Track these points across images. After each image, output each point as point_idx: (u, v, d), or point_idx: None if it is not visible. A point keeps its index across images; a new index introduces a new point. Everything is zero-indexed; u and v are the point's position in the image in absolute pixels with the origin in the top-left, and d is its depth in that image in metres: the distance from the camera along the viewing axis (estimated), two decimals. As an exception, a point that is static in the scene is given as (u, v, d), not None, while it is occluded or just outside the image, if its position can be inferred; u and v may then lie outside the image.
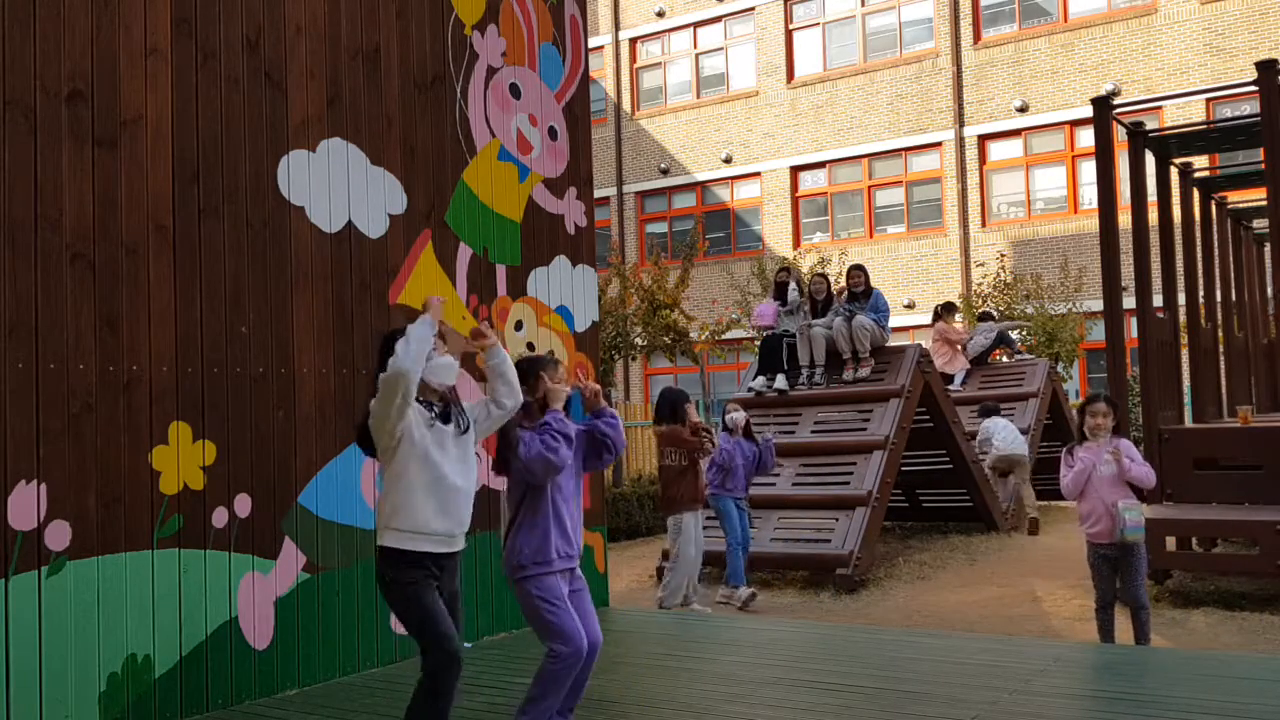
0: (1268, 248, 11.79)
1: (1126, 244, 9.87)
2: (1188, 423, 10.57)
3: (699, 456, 8.18)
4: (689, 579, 8.17)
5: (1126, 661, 5.55)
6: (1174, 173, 10.85)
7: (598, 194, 24.79)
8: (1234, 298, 13.03)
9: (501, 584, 6.17)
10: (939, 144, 23.22)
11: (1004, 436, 11.97)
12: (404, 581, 3.57)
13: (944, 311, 14.36)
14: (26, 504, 4.12)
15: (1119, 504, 6.20)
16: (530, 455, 3.84)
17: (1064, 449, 6.61)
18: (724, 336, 19.99)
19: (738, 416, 8.89)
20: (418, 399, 3.63)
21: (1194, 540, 9.11)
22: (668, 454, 8.27)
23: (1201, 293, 11.76)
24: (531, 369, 4.04)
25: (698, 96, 26.86)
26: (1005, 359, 14.93)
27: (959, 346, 14.10)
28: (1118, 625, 6.56)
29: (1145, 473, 6.29)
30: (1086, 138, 20.72)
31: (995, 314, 15.83)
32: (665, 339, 18.64)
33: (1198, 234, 11.66)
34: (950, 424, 11.00)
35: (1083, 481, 6.33)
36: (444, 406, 3.75)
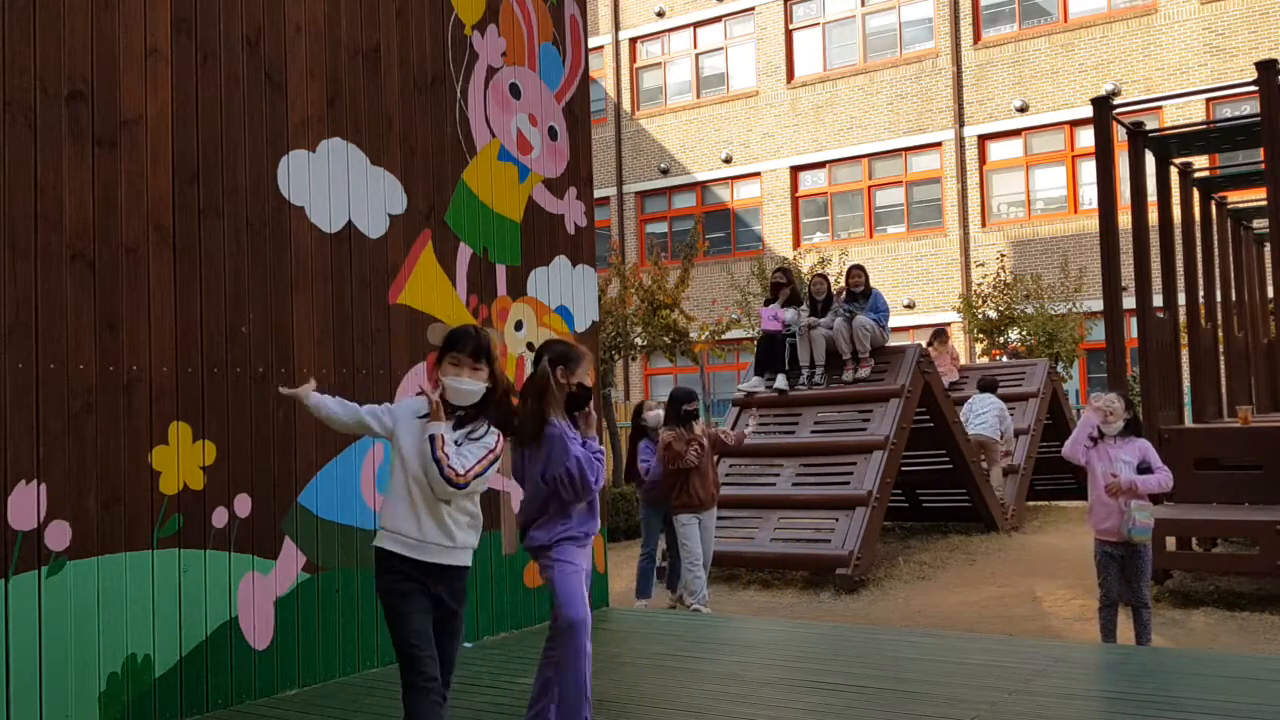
0: (1268, 248, 11.79)
1: (1126, 244, 9.87)
2: (1188, 423, 10.57)
3: (678, 466, 8.00)
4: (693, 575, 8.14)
5: (1126, 661, 5.55)
6: (1174, 173, 10.85)
7: (598, 194, 24.79)
8: (1234, 298, 13.04)
9: (501, 584, 6.17)
10: (939, 144, 23.22)
11: (977, 418, 11.96)
12: (381, 589, 3.59)
13: (934, 339, 14.18)
14: (26, 504, 4.11)
15: (1130, 504, 6.22)
16: (591, 481, 3.88)
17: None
18: (724, 336, 20.00)
19: (653, 416, 8.70)
20: (444, 401, 3.65)
21: (1194, 540, 9.11)
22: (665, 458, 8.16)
23: (1201, 293, 11.76)
24: (564, 361, 3.97)
25: (698, 96, 26.86)
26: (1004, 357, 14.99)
27: (951, 362, 13.90)
28: (1123, 624, 6.56)
29: (1160, 480, 6.31)
30: (1086, 138, 20.72)
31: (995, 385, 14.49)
32: (665, 339, 18.65)
33: (1198, 234, 11.66)
34: (950, 424, 11.00)
35: (1080, 444, 6.36)
36: (461, 414, 3.65)
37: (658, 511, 8.52)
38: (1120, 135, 9.70)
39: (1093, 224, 18.05)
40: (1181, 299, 10.78)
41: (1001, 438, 12.15)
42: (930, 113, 23.26)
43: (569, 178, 6.87)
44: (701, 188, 26.54)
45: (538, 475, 3.95)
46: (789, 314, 11.13)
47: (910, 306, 23.00)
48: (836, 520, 9.43)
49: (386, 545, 3.58)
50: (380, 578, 3.59)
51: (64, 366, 4.28)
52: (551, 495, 3.96)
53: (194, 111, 4.80)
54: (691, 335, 19.26)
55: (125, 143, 4.53)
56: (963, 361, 18.47)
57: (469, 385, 3.60)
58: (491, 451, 3.63)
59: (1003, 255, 21.96)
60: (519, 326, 6.42)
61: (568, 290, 6.82)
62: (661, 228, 27.26)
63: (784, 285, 11.53)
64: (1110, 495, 6.29)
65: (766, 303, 11.92)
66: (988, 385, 12.56)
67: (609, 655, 5.54)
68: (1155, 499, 6.56)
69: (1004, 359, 16.49)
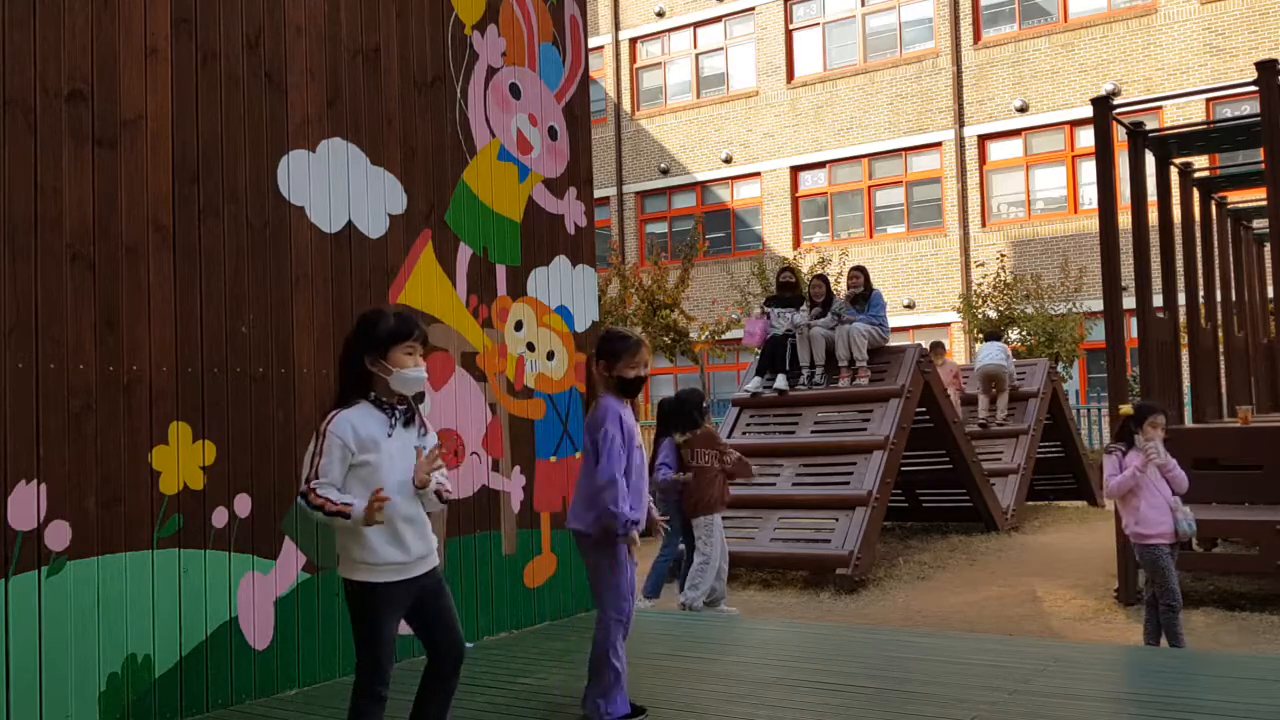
0: (1268, 248, 11.78)
1: (1126, 244, 9.87)
2: (1188, 423, 10.56)
3: (729, 464, 8.04)
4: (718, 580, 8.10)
5: (1126, 661, 5.56)
6: (1174, 173, 10.85)
7: (598, 194, 24.80)
8: (1234, 298, 13.03)
9: (501, 584, 6.17)
10: (939, 144, 23.23)
11: (984, 355, 13.30)
12: (368, 605, 3.50)
13: (930, 350, 14.24)
14: (26, 504, 4.11)
15: (1174, 501, 6.21)
16: (612, 495, 4.23)
17: (1115, 450, 6.44)
18: (724, 336, 20.01)
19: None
20: (380, 400, 3.46)
21: (1194, 540, 9.09)
22: (703, 456, 8.03)
23: (1201, 293, 11.76)
24: (621, 349, 4.32)
25: (698, 96, 26.87)
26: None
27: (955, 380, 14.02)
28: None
29: (1183, 475, 6.30)
30: (1086, 138, 20.74)
31: (1000, 333, 15.58)
32: (665, 339, 18.66)
33: (1198, 234, 11.66)
34: (950, 424, 11.00)
35: (1130, 486, 6.29)
36: (407, 409, 3.51)
37: (680, 512, 8.48)
38: (1120, 135, 9.69)
39: (1093, 224, 18.05)
40: (1181, 299, 10.77)
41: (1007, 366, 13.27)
42: (930, 113, 23.26)
43: (569, 178, 6.87)
44: (701, 188, 26.54)
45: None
46: (798, 317, 11.11)
47: (910, 306, 23.01)
48: (836, 520, 9.43)
49: (373, 579, 3.42)
50: (367, 603, 3.46)
51: (64, 366, 4.28)
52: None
53: (194, 111, 4.80)
54: (691, 335, 19.27)
55: (125, 143, 4.53)
56: (962, 362, 18.47)
57: (424, 373, 3.53)
58: (440, 447, 3.52)
59: (1003, 255, 21.97)
60: (519, 326, 6.42)
61: (568, 290, 6.82)
62: (661, 228, 27.27)
63: (793, 285, 11.60)
64: (1143, 466, 6.21)
65: (767, 302, 11.91)
66: (993, 334, 14.00)
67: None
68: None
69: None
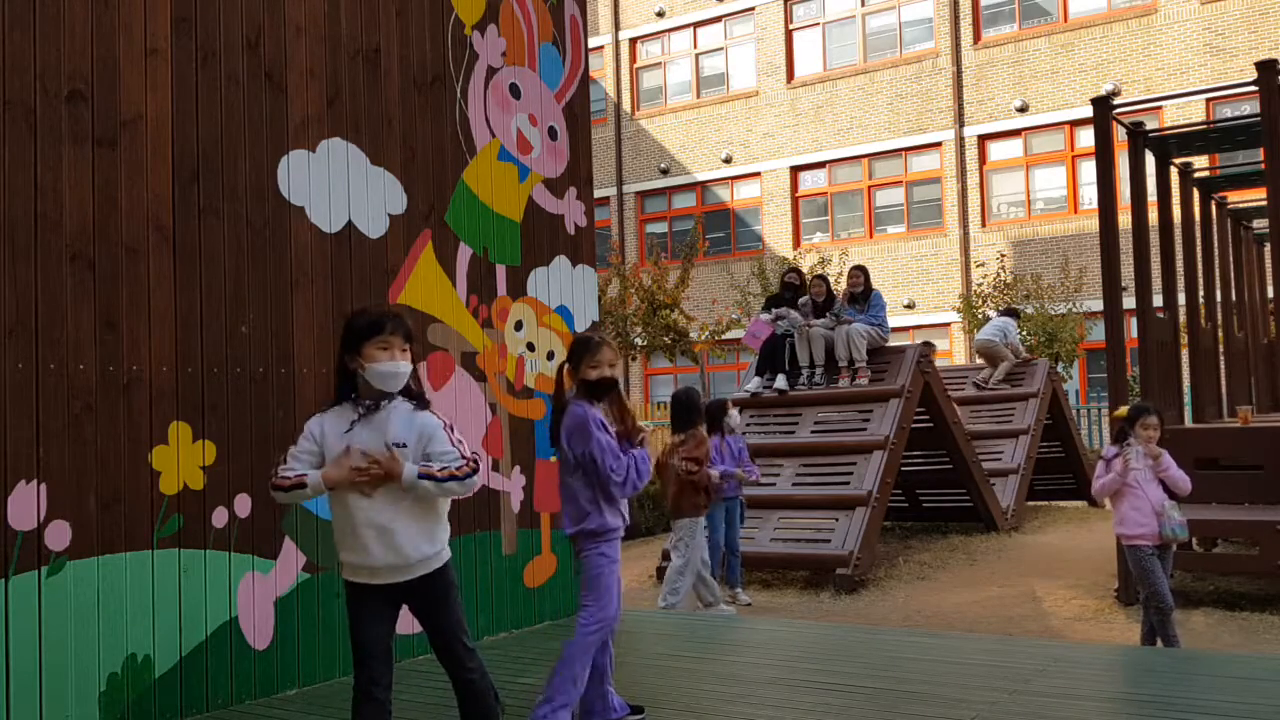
0: (1268, 248, 11.78)
1: (1126, 244, 9.87)
2: (1188, 423, 10.56)
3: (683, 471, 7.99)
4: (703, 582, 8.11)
5: (1126, 661, 5.55)
6: (1174, 173, 10.85)
7: (598, 194, 24.80)
8: (1234, 298, 13.03)
9: (501, 584, 6.17)
10: (939, 144, 23.22)
11: (986, 328, 14.19)
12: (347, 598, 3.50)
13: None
14: (26, 504, 4.11)
15: (1165, 504, 6.18)
16: (627, 481, 4.09)
17: (1106, 455, 6.40)
18: (724, 336, 20.01)
19: (733, 417, 8.91)
20: (357, 400, 3.41)
21: (1194, 540, 9.10)
22: (679, 462, 7.95)
23: (1201, 293, 11.76)
24: (581, 351, 4.20)
25: (698, 96, 26.86)
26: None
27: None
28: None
29: (1184, 476, 6.26)
30: (1086, 138, 20.74)
31: (1017, 311, 16.11)
32: (665, 339, 18.67)
33: (1198, 234, 11.66)
34: (950, 424, 11.00)
35: (1114, 488, 6.26)
36: (374, 407, 3.40)
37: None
38: (1120, 135, 9.69)
39: (1093, 224, 18.05)
40: (1181, 299, 10.77)
41: (1007, 343, 13.73)
42: (930, 113, 23.26)
43: (569, 178, 6.87)
44: (701, 188, 26.54)
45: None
46: (794, 314, 11.11)
47: (910, 306, 23.00)
48: (836, 520, 9.43)
49: (344, 575, 3.45)
50: (346, 597, 3.49)
51: (64, 366, 4.28)
52: (577, 468, 4.12)
53: (194, 111, 4.80)
54: (691, 335, 19.28)
55: (125, 143, 4.53)
56: (962, 362, 18.51)
57: (405, 368, 3.40)
58: (364, 454, 3.34)
59: (1003, 255, 21.96)
60: (519, 326, 6.42)
61: (568, 290, 6.82)
62: (661, 228, 27.27)
63: (797, 286, 11.60)
64: (1150, 458, 6.17)
65: (768, 304, 11.89)
66: (1006, 311, 14.86)
67: (609, 655, 5.53)
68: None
69: None
